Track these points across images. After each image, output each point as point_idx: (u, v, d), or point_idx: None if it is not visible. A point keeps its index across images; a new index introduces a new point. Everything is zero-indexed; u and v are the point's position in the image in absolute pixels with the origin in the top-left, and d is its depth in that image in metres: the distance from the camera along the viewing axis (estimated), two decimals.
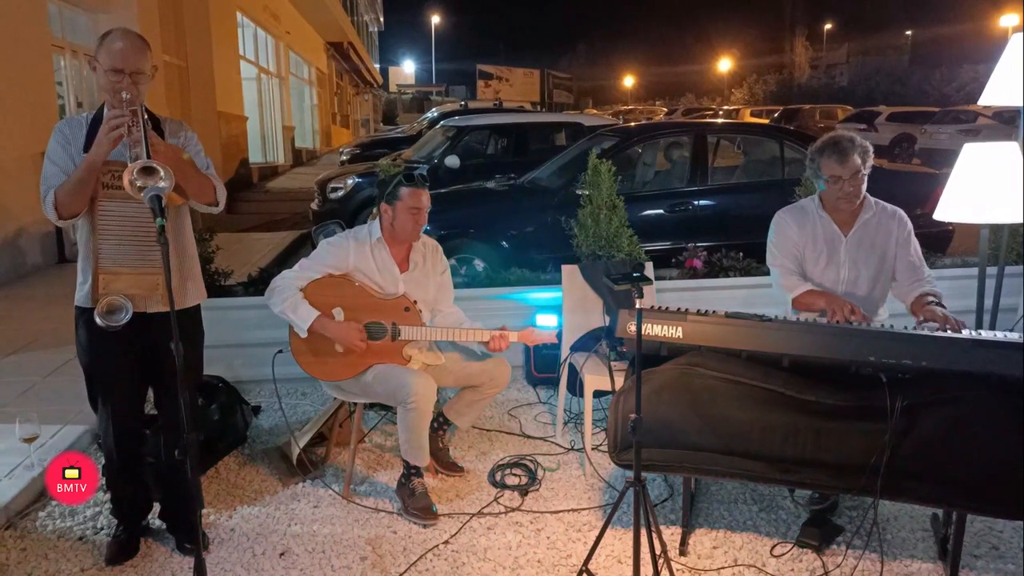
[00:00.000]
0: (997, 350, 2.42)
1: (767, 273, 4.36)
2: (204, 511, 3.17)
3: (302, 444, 3.49)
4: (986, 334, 2.54)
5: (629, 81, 70.21)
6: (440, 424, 3.54)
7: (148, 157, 2.32)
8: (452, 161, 8.61)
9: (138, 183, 2.26)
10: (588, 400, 3.59)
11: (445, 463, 3.55)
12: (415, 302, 3.26)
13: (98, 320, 2.55)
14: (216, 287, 4.40)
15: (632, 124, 10.39)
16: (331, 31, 26.25)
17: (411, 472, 3.22)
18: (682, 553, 2.90)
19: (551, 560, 2.87)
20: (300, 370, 3.25)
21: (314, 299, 3.17)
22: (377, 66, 48.93)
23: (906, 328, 2.59)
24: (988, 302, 3.51)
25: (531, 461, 3.62)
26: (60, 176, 2.55)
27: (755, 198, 6.34)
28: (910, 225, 3.20)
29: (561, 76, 60.66)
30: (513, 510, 3.23)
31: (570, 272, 4.11)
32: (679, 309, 2.74)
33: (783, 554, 2.89)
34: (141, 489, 2.97)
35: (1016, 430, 2.40)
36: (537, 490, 3.39)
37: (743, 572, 2.80)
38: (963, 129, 18.94)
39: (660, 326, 2.67)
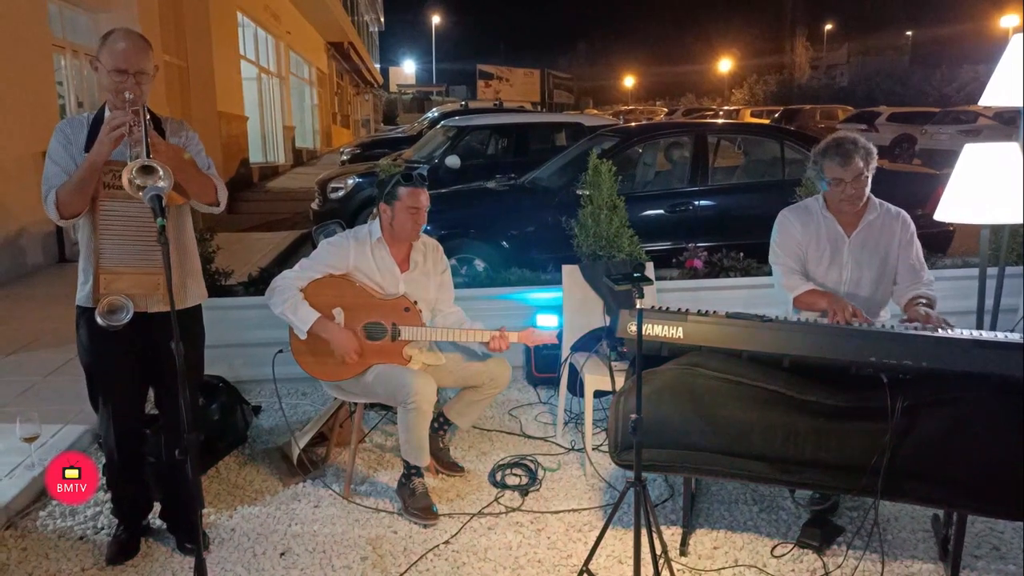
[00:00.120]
0: (997, 351, 2.42)
1: (768, 273, 4.36)
2: (204, 511, 3.17)
3: (302, 444, 3.49)
4: (986, 335, 2.54)
5: (629, 81, 70.21)
6: (440, 424, 3.54)
7: (148, 157, 2.32)
8: (452, 161, 8.61)
9: (137, 182, 2.26)
10: (588, 400, 3.59)
11: (445, 463, 3.55)
12: (415, 302, 3.26)
13: (99, 320, 2.55)
14: (217, 287, 4.40)
15: (632, 124, 10.39)
16: (331, 31, 26.25)
17: (411, 472, 3.22)
18: (683, 553, 2.90)
19: (551, 560, 2.87)
20: (300, 370, 3.25)
21: (314, 299, 3.17)
22: (377, 66, 48.95)
23: (906, 329, 2.59)
24: (989, 302, 3.51)
25: (532, 461, 3.62)
26: (61, 176, 2.55)
27: (756, 198, 6.34)
28: (913, 227, 3.20)
29: (561, 76, 60.65)
30: (514, 510, 3.23)
31: (570, 272, 4.11)
32: (680, 309, 2.74)
33: (784, 554, 2.89)
34: (141, 489, 2.97)
35: (1017, 430, 2.40)
36: (538, 490, 3.39)
37: (744, 572, 2.80)
38: (963, 130, 18.93)
39: (661, 326, 2.67)
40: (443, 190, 6.97)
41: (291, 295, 3.15)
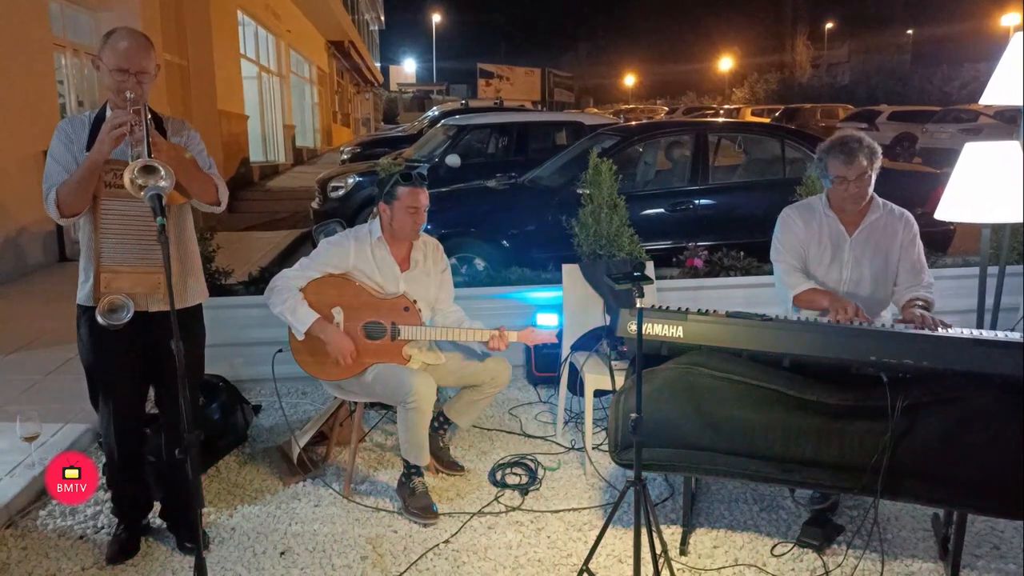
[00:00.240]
0: (998, 350, 2.42)
1: (768, 272, 4.36)
2: (205, 510, 3.17)
3: (302, 443, 3.49)
4: (987, 334, 2.54)
5: (630, 80, 70.15)
6: (440, 423, 3.54)
7: (149, 156, 2.32)
8: (453, 160, 8.60)
9: (139, 182, 2.26)
10: (589, 399, 3.59)
11: (445, 462, 3.55)
12: (415, 302, 3.26)
13: (100, 319, 2.55)
14: (217, 286, 4.40)
15: (633, 123, 10.38)
16: (332, 29, 26.24)
17: (411, 471, 3.22)
18: (683, 552, 2.90)
19: (552, 559, 2.87)
20: (300, 369, 3.25)
21: (314, 298, 3.17)
22: (378, 65, 48.94)
23: (907, 328, 2.59)
24: (989, 302, 3.50)
25: (532, 460, 3.62)
26: (63, 175, 2.55)
27: (756, 197, 6.34)
28: (916, 228, 3.20)
29: (562, 75, 60.58)
30: (513, 509, 3.23)
31: (571, 271, 4.11)
32: (680, 308, 2.74)
33: (784, 554, 2.89)
34: (142, 488, 2.97)
35: (1017, 430, 2.40)
36: (538, 489, 3.39)
37: (744, 572, 2.80)
38: (964, 128, 18.92)
39: (661, 325, 2.66)
40: (443, 189, 6.97)
41: (290, 295, 3.15)
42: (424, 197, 3.25)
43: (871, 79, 42.65)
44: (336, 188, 8.80)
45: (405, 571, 2.81)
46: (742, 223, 6.07)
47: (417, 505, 3.15)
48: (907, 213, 3.22)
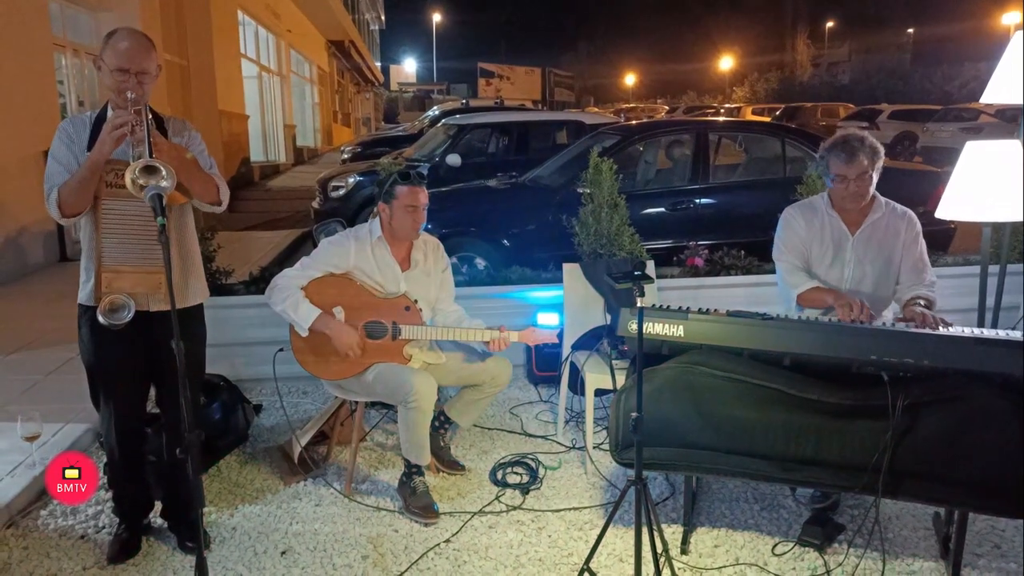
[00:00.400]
0: (999, 349, 2.42)
1: (769, 271, 4.36)
2: (205, 510, 3.17)
3: (303, 443, 3.49)
4: (988, 333, 2.54)
5: (631, 79, 70.10)
6: (441, 423, 3.54)
7: (150, 156, 2.32)
8: (453, 159, 8.60)
9: (140, 182, 2.26)
10: (589, 399, 3.59)
11: (446, 461, 3.55)
12: (415, 301, 3.26)
13: (101, 318, 2.55)
14: (217, 286, 4.40)
15: (633, 122, 10.38)
16: (332, 29, 26.23)
17: (412, 471, 3.22)
18: (683, 552, 2.90)
19: (552, 559, 2.87)
20: (301, 369, 3.26)
21: (315, 298, 3.17)
22: (378, 64, 48.93)
23: (907, 327, 2.58)
24: (990, 301, 3.50)
25: (532, 460, 3.62)
26: (64, 174, 2.55)
27: (757, 196, 6.34)
28: (919, 227, 3.20)
29: (562, 74, 60.59)
30: (514, 508, 3.23)
31: (571, 270, 4.11)
32: (680, 307, 2.74)
33: (785, 553, 2.89)
34: (143, 488, 2.98)
35: (1018, 429, 2.40)
36: (538, 489, 3.39)
37: (745, 571, 2.80)
38: (965, 127, 18.90)
39: (661, 324, 2.66)
40: (444, 188, 6.97)
41: (291, 293, 3.15)
42: (423, 196, 3.25)
43: (872, 78, 42.61)
44: (337, 188, 8.80)
45: (406, 570, 2.81)
46: (743, 222, 6.07)
47: (418, 504, 3.15)
48: (909, 212, 3.22)
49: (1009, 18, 36.26)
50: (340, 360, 3.20)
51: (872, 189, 3.12)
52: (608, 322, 3.94)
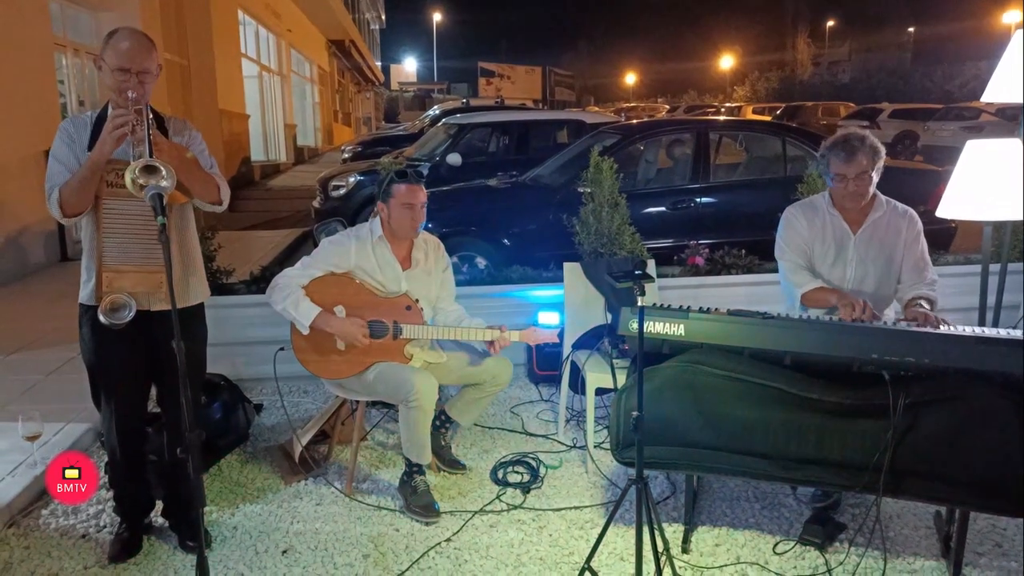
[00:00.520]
0: (999, 348, 2.42)
1: (770, 270, 4.36)
2: (206, 509, 3.17)
3: (304, 442, 3.50)
4: (989, 331, 2.53)
5: (631, 78, 70.08)
6: (442, 422, 3.54)
7: (150, 156, 2.32)
8: (454, 159, 8.60)
9: (140, 181, 2.26)
10: (590, 398, 3.59)
11: (447, 461, 3.55)
12: (416, 300, 3.26)
13: (102, 318, 2.55)
14: (218, 285, 4.40)
15: (634, 121, 10.37)
16: (333, 29, 26.23)
17: (413, 470, 3.22)
18: (684, 551, 2.90)
19: (553, 558, 2.87)
20: (302, 368, 3.25)
21: (316, 297, 3.17)
22: (379, 64, 48.92)
23: (908, 326, 2.58)
24: (991, 300, 3.50)
25: (533, 459, 3.62)
26: (65, 174, 2.55)
27: (757, 195, 6.33)
28: (920, 225, 3.19)
29: (563, 73, 60.58)
30: (515, 508, 3.23)
31: (572, 270, 4.11)
32: (681, 307, 2.74)
33: (786, 552, 2.89)
34: (144, 487, 2.98)
35: (1019, 428, 2.40)
36: (539, 488, 3.39)
37: (746, 570, 2.80)
38: (966, 126, 18.90)
39: (662, 323, 2.66)
40: (444, 188, 6.97)
41: (292, 292, 3.15)
42: (420, 194, 3.25)
43: (872, 77, 42.60)
44: (337, 187, 8.80)
45: (407, 569, 2.81)
46: (744, 221, 6.07)
47: (419, 503, 3.15)
48: (911, 210, 3.21)
49: (1009, 17, 36.24)
50: (341, 359, 3.20)
51: (872, 189, 3.11)
52: (609, 321, 3.94)
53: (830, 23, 55.66)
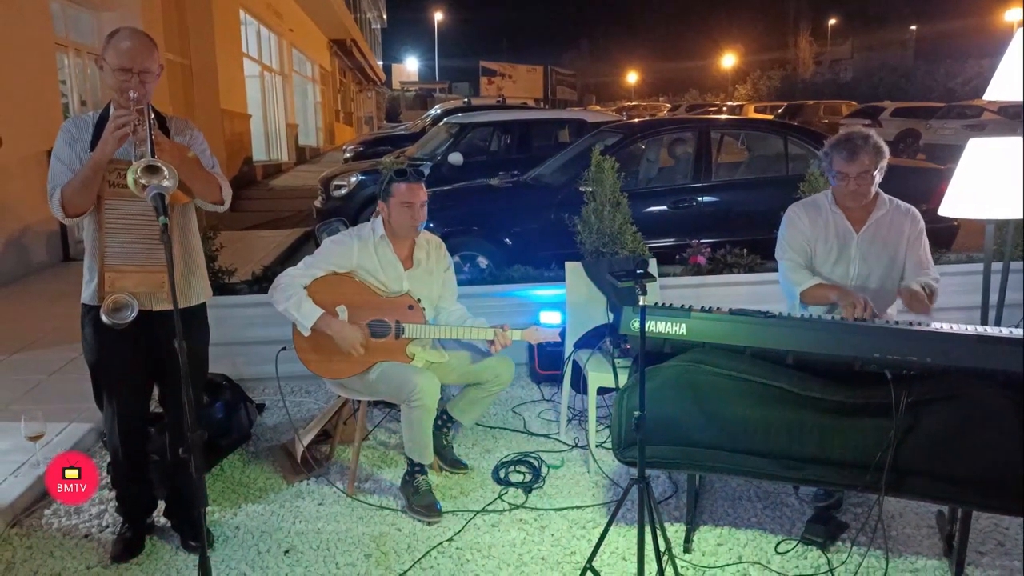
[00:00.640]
0: (1002, 346, 2.42)
1: (771, 269, 4.35)
2: (208, 509, 3.17)
3: (306, 442, 3.50)
4: (991, 330, 2.53)
5: (633, 77, 70.03)
6: (444, 421, 3.54)
7: (152, 156, 2.32)
8: (455, 158, 8.60)
9: (142, 182, 2.26)
10: (592, 397, 3.58)
11: (449, 460, 3.55)
12: (419, 300, 3.26)
13: (104, 318, 2.55)
14: (220, 285, 4.40)
15: (636, 120, 10.36)
16: (334, 28, 26.23)
17: (415, 469, 3.22)
18: (686, 550, 2.90)
19: (555, 557, 2.87)
20: (304, 368, 3.25)
21: (318, 297, 3.17)
22: (380, 63, 48.94)
23: (911, 324, 2.58)
24: (993, 298, 3.49)
25: (535, 458, 3.62)
26: (67, 174, 2.56)
27: (759, 194, 6.32)
28: (922, 224, 3.19)
29: (564, 72, 60.60)
30: (517, 507, 3.23)
31: (574, 269, 4.11)
32: (683, 306, 2.74)
33: (788, 551, 2.88)
34: (146, 487, 2.98)
35: (1021, 427, 2.39)
36: (541, 487, 3.39)
37: (748, 569, 2.80)
38: (968, 124, 18.86)
39: (664, 323, 2.66)
40: (446, 187, 6.97)
41: (294, 292, 3.15)
42: (420, 192, 3.25)
43: (874, 75, 42.52)
44: (339, 187, 8.80)
45: (409, 569, 2.81)
46: (745, 220, 6.07)
47: (421, 503, 3.15)
48: (913, 209, 3.21)
49: (1012, 15, 36.18)
50: (343, 359, 3.20)
51: (874, 188, 3.11)
52: (611, 320, 3.94)
53: (832, 21, 55.62)
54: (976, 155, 3.20)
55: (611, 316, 3.96)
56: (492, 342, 3.24)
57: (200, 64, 12.74)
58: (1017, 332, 2.48)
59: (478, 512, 3.19)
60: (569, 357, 3.88)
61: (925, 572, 2.76)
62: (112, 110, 2.59)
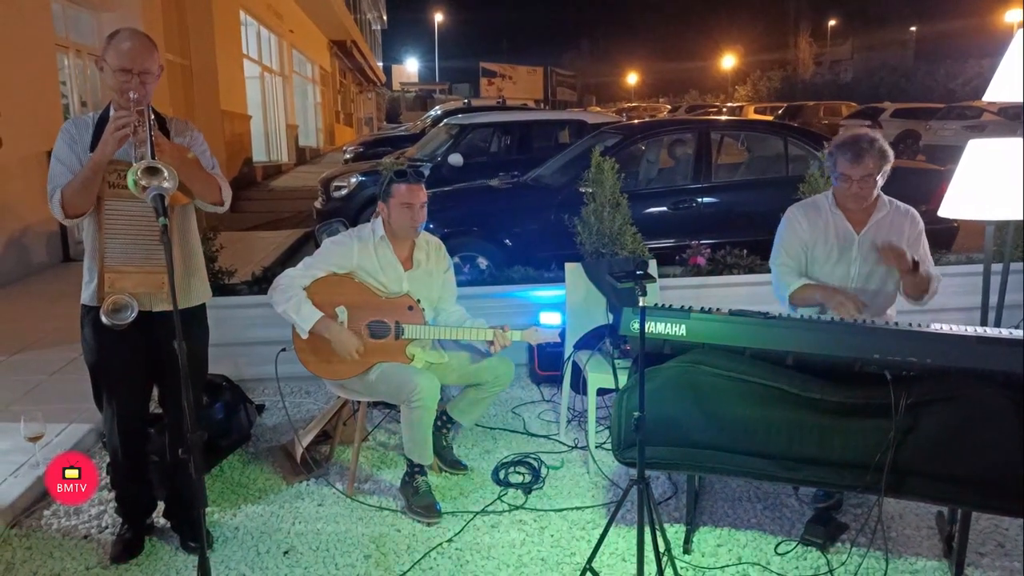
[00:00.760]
0: (1001, 347, 2.41)
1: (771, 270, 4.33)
2: (208, 510, 3.18)
3: (306, 443, 3.50)
4: (991, 331, 2.53)
5: (633, 78, 70.04)
6: (444, 422, 3.54)
7: (152, 157, 2.32)
8: (455, 159, 8.61)
9: (142, 183, 2.26)
10: (592, 398, 3.58)
11: (449, 461, 3.55)
12: (418, 301, 3.26)
13: (104, 319, 2.55)
14: (220, 286, 4.40)
15: (635, 121, 10.37)
16: (334, 29, 26.25)
17: (415, 470, 3.22)
18: (686, 551, 2.90)
19: (555, 558, 2.87)
20: (303, 368, 3.26)
21: (318, 297, 3.17)
22: (380, 64, 48.96)
23: (911, 325, 2.58)
24: (993, 299, 3.49)
25: (535, 459, 3.62)
26: (67, 175, 2.56)
27: (759, 195, 6.32)
28: (922, 225, 3.19)
29: (564, 73, 60.63)
30: (517, 508, 3.23)
31: (573, 270, 4.11)
32: (683, 307, 2.74)
33: (787, 552, 2.88)
34: (145, 488, 2.98)
35: (1020, 427, 2.39)
36: (541, 488, 3.39)
37: (747, 570, 2.79)
38: (968, 125, 18.88)
39: (664, 324, 2.66)
40: (446, 188, 6.97)
41: (294, 293, 3.15)
42: (420, 193, 3.25)
43: (874, 76, 42.53)
44: (339, 188, 8.81)
45: (408, 570, 2.81)
46: (745, 221, 6.07)
47: (420, 504, 3.15)
48: (912, 210, 3.22)
49: (1012, 16, 36.19)
50: (342, 360, 3.20)
51: (876, 191, 3.11)
52: (610, 321, 3.94)
53: (832, 22, 55.62)
54: (976, 156, 3.20)
55: (611, 317, 3.96)
56: (491, 343, 3.24)
57: (200, 65, 12.75)
58: (1017, 333, 2.48)
59: (478, 513, 3.19)
60: (569, 358, 3.88)
61: (925, 573, 2.76)
62: (112, 111, 2.59)
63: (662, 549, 2.53)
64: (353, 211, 8.38)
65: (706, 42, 62.57)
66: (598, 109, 36.49)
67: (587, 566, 2.62)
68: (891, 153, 3.09)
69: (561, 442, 3.84)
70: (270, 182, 15.22)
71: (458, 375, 3.40)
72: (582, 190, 4.79)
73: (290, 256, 8.33)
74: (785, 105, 29.73)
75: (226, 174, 2.84)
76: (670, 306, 2.76)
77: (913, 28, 49.35)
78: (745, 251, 4.90)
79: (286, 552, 2.93)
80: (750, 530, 3.03)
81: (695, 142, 6.65)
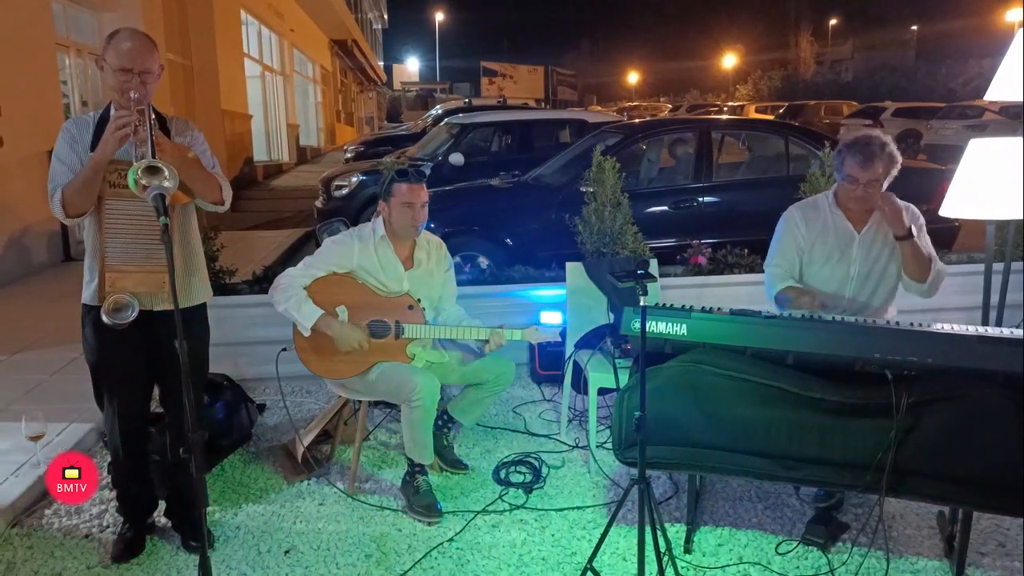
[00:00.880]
0: (1002, 347, 2.41)
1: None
2: (209, 509, 3.18)
3: (307, 442, 3.50)
4: (991, 331, 2.53)
5: (633, 77, 70.00)
6: (444, 422, 3.54)
7: (153, 156, 2.32)
8: (456, 158, 8.61)
9: (143, 182, 2.26)
10: (592, 397, 3.58)
11: (449, 460, 3.55)
12: (418, 300, 3.26)
13: (105, 318, 2.55)
14: (221, 285, 4.40)
15: (636, 121, 10.36)
16: (335, 28, 26.24)
17: (416, 470, 3.22)
18: (687, 551, 2.90)
19: (556, 558, 2.87)
20: (304, 368, 3.26)
21: (318, 297, 3.17)
22: (381, 63, 48.96)
23: (911, 325, 2.58)
24: (994, 299, 3.49)
25: (536, 459, 3.62)
26: (67, 175, 2.56)
27: (760, 194, 6.32)
28: (922, 219, 3.19)
29: (565, 73, 60.59)
30: (518, 507, 3.23)
31: (574, 269, 4.11)
32: (683, 306, 2.74)
33: (788, 552, 2.88)
34: (146, 487, 2.98)
35: (1021, 427, 2.39)
36: (542, 488, 3.39)
37: (748, 570, 2.79)
38: (969, 124, 18.86)
39: (664, 323, 2.66)
40: (447, 187, 6.97)
41: (295, 292, 3.15)
42: (421, 193, 3.25)
43: (875, 75, 42.50)
44: (340, 187, 8.81)
45: (409, 569, 2.81)
46: (746, 220, 6.05)
47: (421, 503, 3.15)
48: (911, 206, 3.21)
49: (1013, 15, 36.17)
50: (343, 359, 3.20)
51: (877, 197, 3.11)
52: (611, 321, 3.94)
53: (833, 21, 55.61)
54: (977, 155, 3.20)
55: (612, 316, 3.96)
56: (487, 342, 3.24)
57: (201, 64, 12.75)
58: (1018, 332, 2.48)
59: (478, 512, 3.19)
60: (570, 357, 3.88)
61: (926, 573, 2.76)
62: (113, 111, 2.60)
63: (663, 549, 2.53)
64: (354, 210, 8.38)
65: (707, 42, 62.59)
66: (599, 108, 36.48)
67: (588, 566, 2.62)
68: (899, 159, 3.09)
69: (562, 441, 3.84)
70: (271, 181, 15.22)
71: (459, 375, 3.40)
72: (583, 189, 4.79)
73: (291, 255, 8.34)
74: (786, 104, 29.71)
75: (227, 173, 2.85)
76: (671, 305, 2.76)
77: (914, 27, 49.36)
78: (746, 250, 4.90)
79: (287, 551, 2.93)
80: (751, 530, 3.03)
81: (696, 141, 6.65)
